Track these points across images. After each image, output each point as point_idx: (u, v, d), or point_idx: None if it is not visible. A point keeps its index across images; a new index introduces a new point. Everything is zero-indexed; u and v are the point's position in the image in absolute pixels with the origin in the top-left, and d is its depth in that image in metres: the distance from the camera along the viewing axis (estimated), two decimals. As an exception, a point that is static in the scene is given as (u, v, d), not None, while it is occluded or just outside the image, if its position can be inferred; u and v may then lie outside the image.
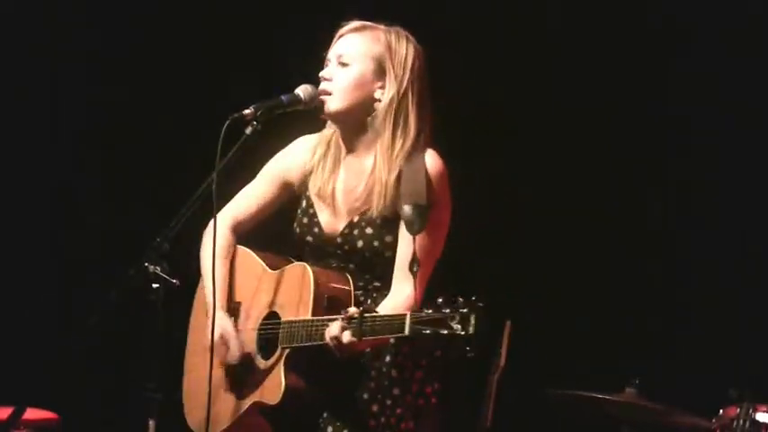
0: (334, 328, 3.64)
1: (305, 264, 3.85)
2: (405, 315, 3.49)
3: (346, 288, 3.81)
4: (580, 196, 5.85)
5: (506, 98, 5.91)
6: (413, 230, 3.68)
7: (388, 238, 3.82)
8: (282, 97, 3.87)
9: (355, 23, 3.93)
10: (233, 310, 4.00)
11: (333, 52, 3.92)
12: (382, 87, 3.87)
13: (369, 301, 3.82)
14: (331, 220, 3.91)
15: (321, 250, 3.90)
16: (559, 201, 5.87)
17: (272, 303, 3.91)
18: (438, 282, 3.87)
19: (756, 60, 5.67)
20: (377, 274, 3.84)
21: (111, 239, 5.91)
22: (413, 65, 3.88)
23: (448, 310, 3.44)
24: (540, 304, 5.77)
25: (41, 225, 6.07)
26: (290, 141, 4.08)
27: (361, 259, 3.84)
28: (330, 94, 3.87)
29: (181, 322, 4.12)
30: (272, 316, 3.90)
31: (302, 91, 3.89)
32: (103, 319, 3.64)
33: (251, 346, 3.91)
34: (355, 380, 3.82)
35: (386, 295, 3.81)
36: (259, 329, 3.92)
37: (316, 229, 3.92)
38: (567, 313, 5.77)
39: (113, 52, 6.06)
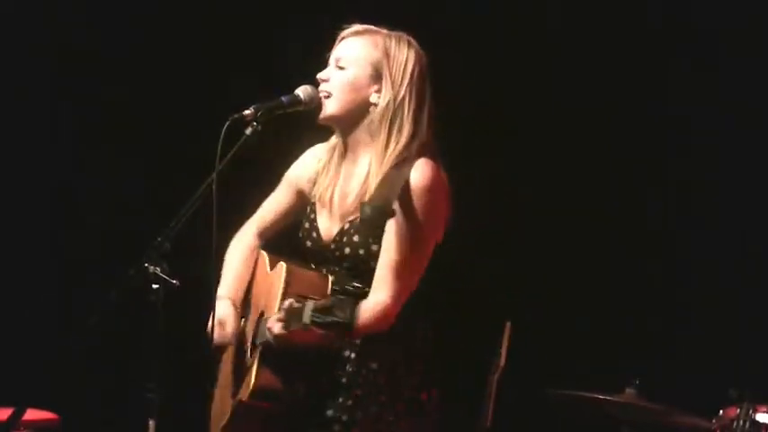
0: (270, 321, 3.67)
1: (283, 263, 3.85)
2: (307, 304, 3.52)
3: (322, 288, 3.78)
4: (580, 196, 5.85)
5: (506, 98, 5.91)
6: (362, 231, 3.73)
7: (374, 247, 3.79)
8: (282, 98, 3.86)
9: (357, 27, 3.93)
10: (246, 310, 4.03)
11: (333, 55, 3.93)
12: (378, 91, 3.86)
13: None
14: (328, 226, 3.91)
15: (319, 255, 3.90)
16: (559, 201, 5.87)
17: (262, 302, 3.94)
18: (438, 283, 3.87)
19: (756, 60, 5.67)
20: (366, 281, 3.81)
21: (111, 239, 5.91)
22: (412, 70, 3.86)
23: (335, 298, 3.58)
24: (540, 304, 5.77)
25: (41, 225, 6.07)
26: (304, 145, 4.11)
27: (351, 266, 3.83)
28: (328, 96, 3.87)
29: (181, 323, 4.12)
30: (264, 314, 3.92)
31: (302, 92, 3.88)
32: (103, 319, 3.64)
33: (247, 344, 3.92)
34: (339, 385, 3.80)
35: None
36: (254, 328, 3.94)
37: (314, 234, 3.93)
38: (566, 313, 5.77)
39: (113, 52, 6.05)
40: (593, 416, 4.96)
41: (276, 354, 3.74)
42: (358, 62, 3.88)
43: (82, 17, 6.04)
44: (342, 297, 3.65)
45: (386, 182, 3.76)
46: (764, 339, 5.36)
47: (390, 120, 3.83)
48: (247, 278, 4.07)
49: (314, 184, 3.98)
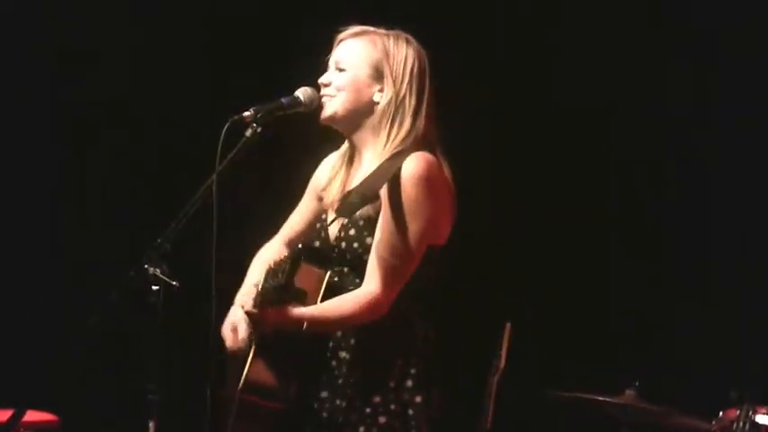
0: (244, 301, 3.77)
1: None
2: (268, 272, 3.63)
3: (317, 281, 3.79)
4: (580, 196, 5.85)
5: (506, 98, 5.91)
6: (338, 211, 3.76)
7: (369, 240, 3.79)
8: (283, 100, 3.86)
9: (354, 29, 3.93)
10: None
11: (332, 58, 3.93)
12: (381, 90, 3.86)
13: None
14: (334, 225, 3.91)
15: (326, 256, 3.89)
16: (559, 201, 5.87)
17: None
18: (438, 283, 3.87)
19: (756, 60, 5.67)
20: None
21: (111, 239, 5.91)
22: (411, 67, 3.86)
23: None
24: (540, 305, 5.77)
25: (41, 225, 6.07)
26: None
27: (351, 263, 3.83)
28: (331, 99, 3.87)
29: (181, 324, 4.12)
30: None
31: (302, 93, 3.88)
32: (103, 319, 3.64)
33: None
34: (334, 386, 3.79)
35: None
36: None
37: (323, 234, 3.92)
38: (566, 314, 5.77)
39: (113, 52, 6.05)
40: (592, 417, 4.96)
41: (268, 348, 3.73)
42: (358, 63, 3.88)
43: (82, 17, 6.03)
44: (283, 259, 3.73)
45: (377, 171, 3.77)
46: (764, 340, 5.36)
47: (391, 117, 3.83)
48: None
49: (327, 189, 3.98)
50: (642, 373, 4.82)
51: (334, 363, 3.80)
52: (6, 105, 5.98)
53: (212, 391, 3.76)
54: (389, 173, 3.72)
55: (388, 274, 3.72)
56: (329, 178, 3.98)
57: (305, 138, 4.18)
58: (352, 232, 3.82)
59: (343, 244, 3.82)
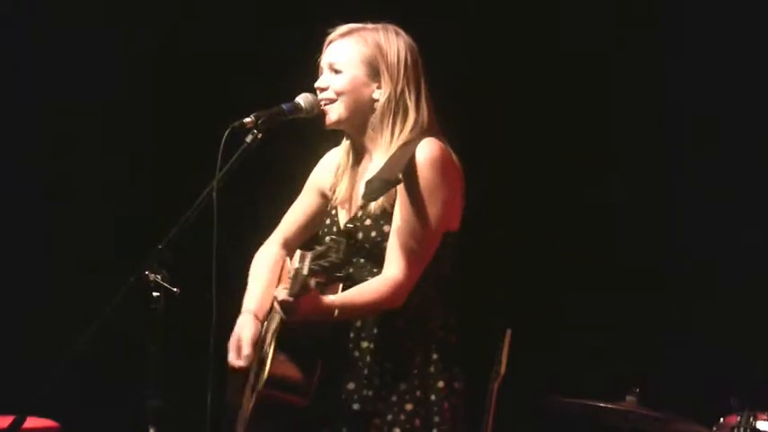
0: (276, 290, 3.68)
1: (299, 249, 3.83)
2: (306, 257, 3.56)
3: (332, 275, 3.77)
4: (580, 204, 5.85)
5: (506, 96, 5.91)
6: (365, 197, 3.72)
7: (386, 228, 3.78)
8: (283, 106, 3.85)
9: (343, 28, 3.90)
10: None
11: (324, 60, 3.90)
12: (379, 87, 3.86)
13: None
14: (345, 220, 3.90)
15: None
16: (560, 208, 5.87)
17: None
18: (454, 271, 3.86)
19: (756, 60, 5.67)
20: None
21: (111, 240, 5.91)
22: (405, 59, 3.85)
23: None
24: (541, 312, 5.77)
25: (41, 225, 6.07)
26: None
27: (367, 253, 3.82)
28: (330, 103, 3.86)
29: (180, 329, 4.12)
30: None
31: (302, 99, 3.87)
32: (104, 326, 3.64)
33: (267, 341, 3.91)
34: (359, 376, 3.77)
35: None
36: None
37: (334, 228, 3.91)
38: (567, 321, 5.77)
39: (113, 53, 6.04)
40: (593, 424, 4.97)
41: (290, 341, 3.70)
42: (353, 63, 3.86)
43: (82, 17, 6.02)
44: (336, 238, 3.70)
45: (391, 159, 3.76)
46: (765, 346, 5.36)
47: (394, 111, 3.83)
48: (273, 289, 4.01)
49: (334, 187, 3.97)
50: (642, 379, 4.83)
51: (356, 353, 3.78)
52: (6, 105, 5.98)
53: (213, 397, 3.75)
54: (405, 158, 3.72)
55: (409, 258, 3.71)
56: (336, 178, 3.97)
57: (304, 137, 4.16)
58: (367, 222, 3.81)
59: (360, 234, 3.81)
